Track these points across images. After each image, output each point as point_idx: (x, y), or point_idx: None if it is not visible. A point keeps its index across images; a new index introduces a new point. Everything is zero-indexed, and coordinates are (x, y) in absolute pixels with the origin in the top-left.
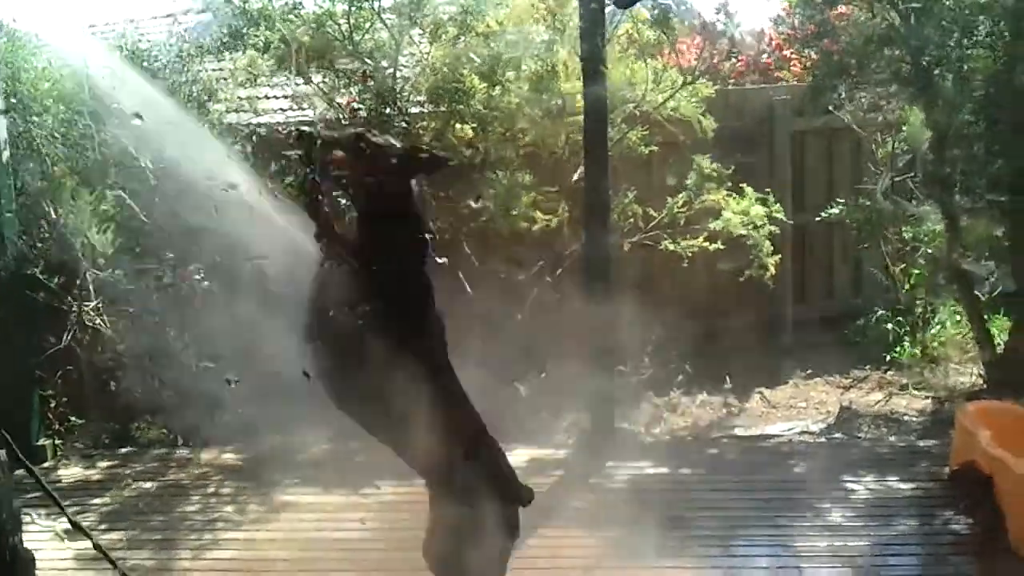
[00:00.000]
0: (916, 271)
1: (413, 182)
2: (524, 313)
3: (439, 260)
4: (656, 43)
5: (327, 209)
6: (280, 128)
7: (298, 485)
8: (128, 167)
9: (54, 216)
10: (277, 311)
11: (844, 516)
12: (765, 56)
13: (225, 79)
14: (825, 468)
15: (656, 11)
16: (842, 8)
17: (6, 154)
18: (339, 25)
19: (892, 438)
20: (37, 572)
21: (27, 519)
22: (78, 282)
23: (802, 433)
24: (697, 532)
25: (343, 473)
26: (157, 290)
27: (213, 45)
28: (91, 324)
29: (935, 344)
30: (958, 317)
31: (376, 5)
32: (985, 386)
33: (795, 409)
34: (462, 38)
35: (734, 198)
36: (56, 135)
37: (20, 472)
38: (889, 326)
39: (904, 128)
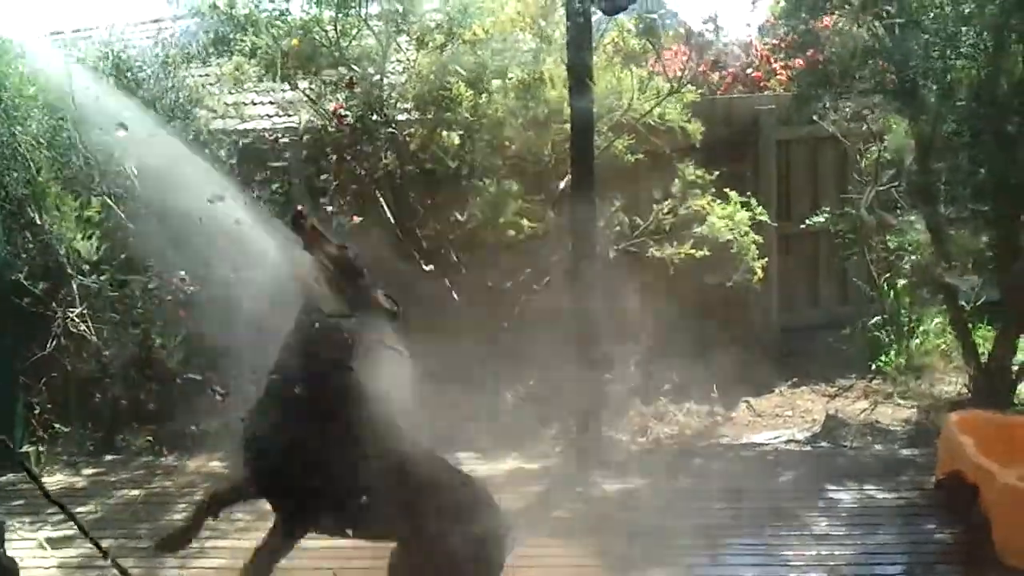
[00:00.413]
0: (901, 280)
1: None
2: (511, 321)
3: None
4: (642, 52)
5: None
6: (267, 134)
7: None
8: (113, 174)
9: (39, 222)
10: (262, 320)
11: (830, 525)
12: (752, 69)
13: (211, 85)
14: (811, 477)
15: (642, 22)
16: (827, 20)
17: None
18: (326, 32)
19: (878, 447)
20: None
21: (9, 529)
22: (63, 289)
23: (788, 442)
24: (683, 541)
25: None
26: (142, 297)
27: (199, 51)
28: (76, 331)
29: (920, 353)
30: (942, 326)
31: (363, 12)
32: (970, 395)
33: (781, 418)
34: (449, 46)
35: (719, 204)
36: (41, 141)
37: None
38: (875, 335)
39: (888, 138)
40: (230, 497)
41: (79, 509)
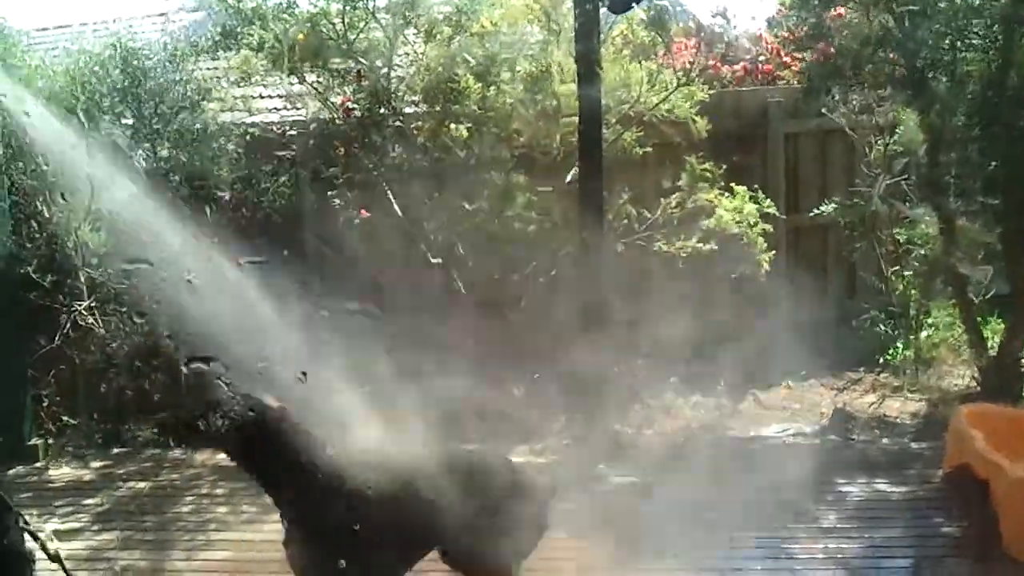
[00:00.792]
0: (910, 273)
1: None
2: (518, 314)
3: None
4: (651, 44)
5: None
6: (275, 127)
7: None
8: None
9: (46, 215)
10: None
11: (838, 518)
12: (763, 61)
13: (219, 78)
14: (819, 470)
15: (651, 12)
16: (837, 10)
17: None
18: (333, 24)
19: (885, 440)
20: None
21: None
22: (70, 281)
23: (796, 435)
24: (690, 534)
25: None
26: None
27: (207, 44)
28: (84, 323)
29: (929, 347)
30: (951, 320)
31: (371, 4)
32: (979, 389)
33: (789, 411)
34: (457, 38)
35: (727, 197)
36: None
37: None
38: (883, 328)
39: (898, 130)
40: None
41: (87, 501)
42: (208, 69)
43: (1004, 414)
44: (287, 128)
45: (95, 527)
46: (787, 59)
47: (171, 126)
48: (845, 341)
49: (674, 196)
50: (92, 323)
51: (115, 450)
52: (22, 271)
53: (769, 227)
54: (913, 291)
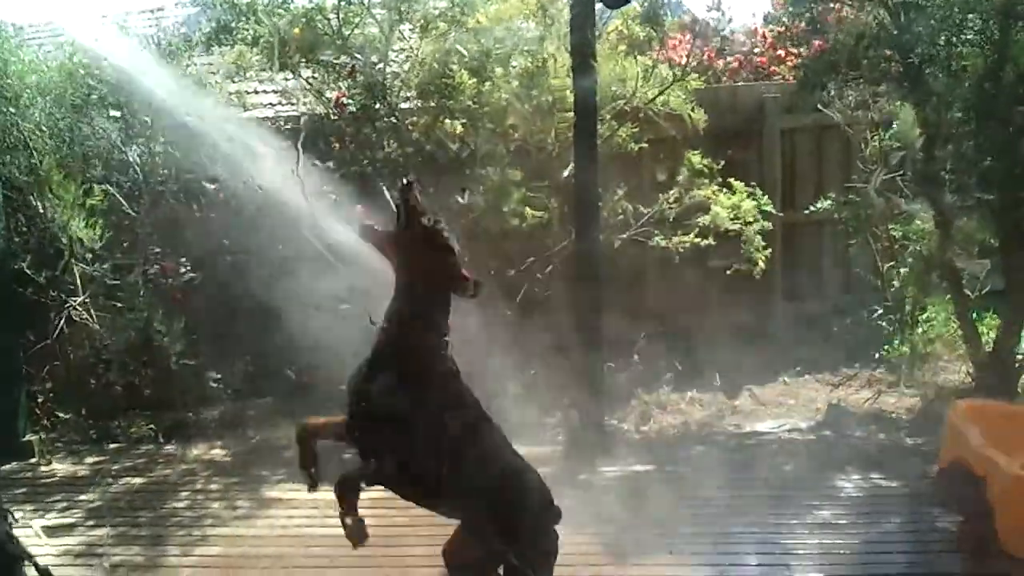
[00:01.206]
0: (905, 269)
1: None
2: (514, 309)
3: None
4: (646, 39)
5: None
6: (269, 122)
7: (285, 481)
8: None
9: (41, 210)
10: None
11: (833, 513)
12: (758, 55)
13: (214, 73)
14: (814, 465)
15: (646, 6)
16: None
17: None
18: (328, 20)
19: (881, 436)
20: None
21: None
22: (65, 277)
23: (791, 430)
24: (686, 529)
25: (332, 469)
26: (144, 285)
27: (201, 39)
28: (78, 319)
29: (924, 342)
30: (947, 315)
31: (366, 0)
32: (974, 384)
33: (784, 406)
34: (452, 33)
35: (724, 193)
36: (43, 128)
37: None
38: (879, 324)
39: (894, 126)
40: (323, 432)
41: (81, 497)
42: (203, 64)
43: (1000, 409)
44: (282, 123)
45: (89, 522)
46: (782, 53)
47: (164, 121)
48: (841, 337)
49: (672, 191)
50: (86, 319)
51: (110, 445)
52: (16, 266)
53: (768, 224)
54: (909, 287)
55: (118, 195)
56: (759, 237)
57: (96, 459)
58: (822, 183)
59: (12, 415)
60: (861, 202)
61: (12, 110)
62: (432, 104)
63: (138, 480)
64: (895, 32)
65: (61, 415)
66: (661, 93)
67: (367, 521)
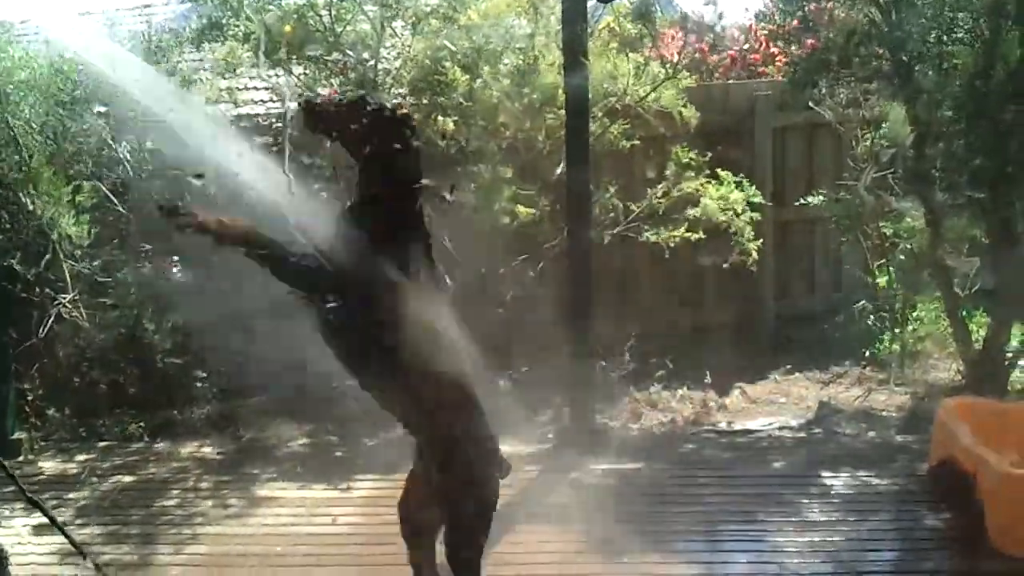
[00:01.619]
0: (896, 267)
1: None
2: (505, 307)
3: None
4: (638, 36)
5: None
6: (261, 119)
7: (277, 479)
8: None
9: (31, 207)
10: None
11: (823, 511)
12: (751, 52)
13: (204, 70)
14: (804, 463)
15: (638, 3)
16: (824, 3)
17: None
18: (320, 17)
19: (871, 434)
20: (13, 569)
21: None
22: (50, 274)
23: (781, 428)
24: (676, 527)
25: (322, 467)
26: (134, 282)
27: (191, 36)
28: (68, 316)
29: (914, 340)
30: (936, 313)
31: None
32: (964, 382)
33: (775, 404)
34: (444, 30)
35: (712, 185)
36: (33, 125)
37: None
38: (869, 322)
39: (885, 124)
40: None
41: (71, 495)
42: (193, 60)
43: (990, 407)
44: (273, 120)
45: (80, 520)
46: (774, 51)
47: (149, 117)
48: (831, 334)
49: (660, 186)
50: (76, 316)
51: (100, 443)
52: (5, 263)
53: (756, 215)
54: (899, 284)
55: (108, 191)
56: (749, 228)
57: (85, 457)
58: (813, 181)
59: (1, 413)
60: (852, 200)
61: (8, 106)
62: (424, 101)
63: (127, 478)
64: (886, 30)
65: (50, 413)
66: (653, 90)
67: (357, 520)
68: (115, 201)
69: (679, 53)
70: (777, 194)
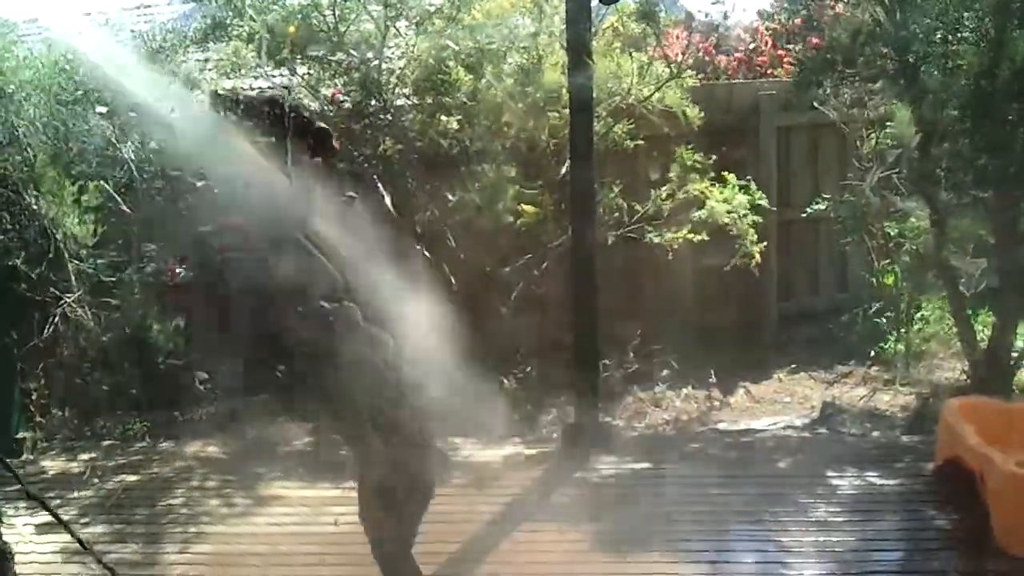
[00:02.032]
0: (900, 267)
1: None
2: (509, 307)
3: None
4: (642, 35)
5: None
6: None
7: (281, 479)
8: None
9: (35, 206)
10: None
11: (828, 511)
12: (759, 55)
13: (209, 70)
14: (809, 463)
15: (642, 3)
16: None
17: None
18: (324, 17)
19: (876, 433)
20: (17, 568)
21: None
22: (51, 275)
23: (786, 428)
24: (680, 527)
25: (326, 466)
26: (139, 282)
27: (196, 36)
28: (73, 316)
29: (920, 340)
30: (942, 313)
31: None
32: (969, 382)
33: (779, 404)
34: (448, 30)
35: (717, 188)
36: (38, 124)
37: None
38: (874, 322)
39: (890, 124)
40: None
41: (75, 494)
42: (197, 60)
43: (995, 407)
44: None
45: (84, 519)
46: (780, 52)
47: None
48: (836, 334)
49: (664, 187)
50: (81, 315)
51: (105, 442)
52: (10, 263)
53: (759, 218)
54: (904, 284)
55: (112, 191)
56: (752, 230)
57: (89, 456)
58: (818, 181)
59: (7, 412)
60: (857, 200)
61: (7, 106)
62: (428, 101)
63: (131, 477)
64: (891, 29)
65: (55, 412)
66: (657, 90)
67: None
68: (120, 201)
69: (683, 53)
70: (781, 193)
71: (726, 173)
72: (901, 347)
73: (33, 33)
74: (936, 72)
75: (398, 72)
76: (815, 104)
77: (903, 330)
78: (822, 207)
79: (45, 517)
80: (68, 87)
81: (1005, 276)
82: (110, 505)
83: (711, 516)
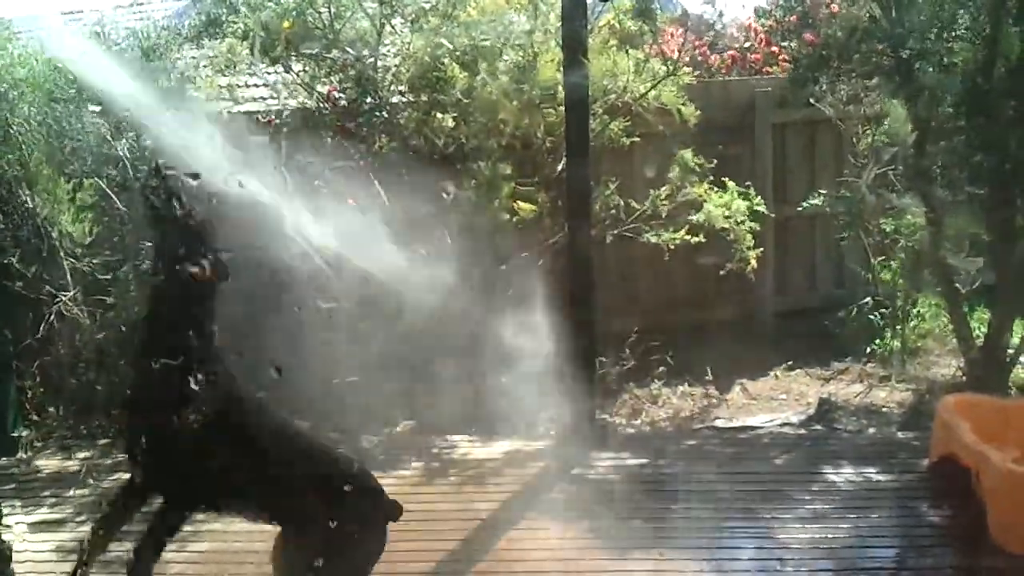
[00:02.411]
0: (896, 264)
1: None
2: (505, 304)
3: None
4: (639, 33)
5: None
6: (260, 116)
7: None
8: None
9: (31, 205)
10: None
11: (825, 507)
12: (752, 52)
13: (204, 67)
14: (805, 460)
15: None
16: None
17: None
18: (319, 14)
19: (872, 430)
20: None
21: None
22: (54, 272)
23: (783, 425)
24: (677, 524)
25: None
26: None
27: (190, 33)
28: (69, 314)
29: (915, 337)
30: (937, 310)
31: None
32: (965, 378)
33: (776, 401)
34: (443, 27)
35: (716, 192)
36: (33, 123)
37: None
38: (870, 318)
39: (886, 121)
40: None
41: (73, 492)
42: (192, 58)
43: (990, 404)
44: (272, 117)
45: (81, 517)
46: (775, 49)
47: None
48: (832, 331)
49: (663, 188)
50: (77, 314)
51: (101, 440)
52: (5, 261)
53: (756, 225)
54: (900, 281)
55: (108, 190)
56: (749, 235)
57: (85, 455)
58: (814, 178)
59: (2, 410)
60: (853, 197)
61: (7, 104)
62: (424, 98)
63: (128, 476)
64: (887, 26)
65: (51, 410)
66: (653, 87)
67: None
68: (115, 199)
69: (679, 51)
70: (777, 190)
71: (725, 178)
72: (897, 344)
73: (26, 31)
74: (931, 69)
75: (393, 69)
76: (811, 100)
77: (899, 327)
78: (818, 202)
79: (39, 516)
80: (63, 85)
81: (1001, 273)
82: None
83: (708, 513)
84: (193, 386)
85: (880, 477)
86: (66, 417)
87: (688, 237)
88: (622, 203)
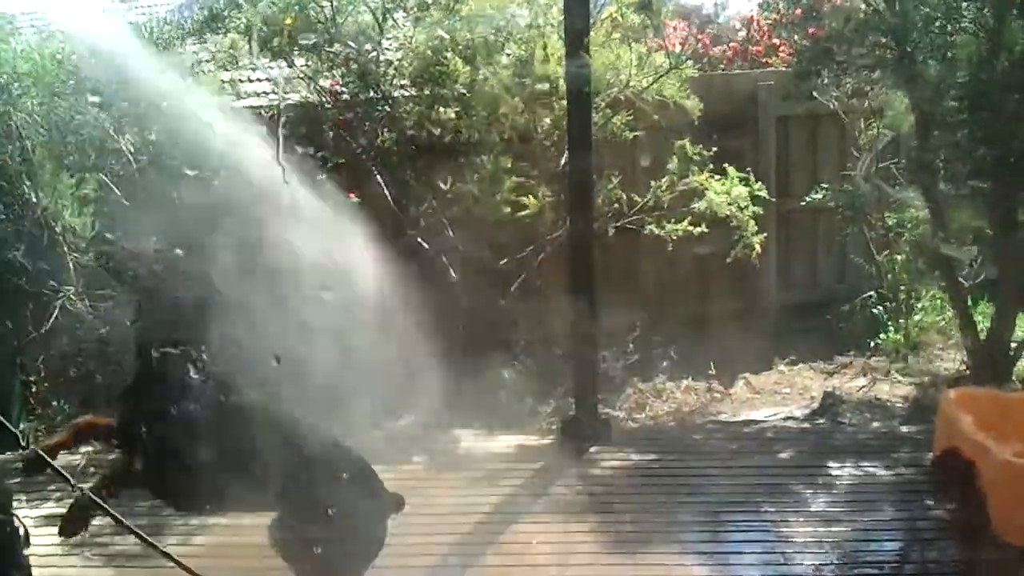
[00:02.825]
0: (899, 257)
1: None
2: (508, 298)
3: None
4: (642, 26)
5: None
6: (263, 111)
7: None
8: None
9: (34, 199)
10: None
11: (828, 502)
12: (754, 44)
13: (206, 62)
14: (809, 454)
15: None
16: None
17: None
18: (322, 8)
19: (876, 424)
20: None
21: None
22: (58, 265)
23: (786, 419)
24: (681, 518)
25: None
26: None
27: (193, 28)
28: (72, 308)
29: (919, 330)
30: (941, 303)
31: None
32: (968, 372)
33: (779, 395)
34: (445, 21)
35: (717, 179)
36: (36, 117)
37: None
38: (874, 312)
39: (887, 114)
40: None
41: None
42: (194, 52)
43: (993, 397)
44: (275, 112)
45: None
46: (776, 42)
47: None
48: (835, 325)
49: (664, 180)
50: (81, 308)
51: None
52: (8, 255)
53: (759, 209)
54: (903, 275)
55: (111, 183)
56: (752, 222)
57: (88, 448)
58: (817, 171)
59: (6, 404)
60: (855, 189)
61: (4, 98)
62: (426, 92)
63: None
64: (890, 19)
65: (54, 404)
66: (655, 81)
67: None
68: (118, 193)
69: (682, 44)
70: (780, 184)
71: (726, 165)
72: (900, 337)
73: (30, 25)
74: (934, 62)
75: (396, 63)
76: (814, 94)
77: (902, 320)
78: (820, 196)
79: (45, 510)
80: (66, 79)
81: (1004, 267)
82: (109, 497)
83: (711, 507)
84: (188, 382)
85: (884, 471)
86: (70, 410)
87: (691, 228)
88: (624, 197)
